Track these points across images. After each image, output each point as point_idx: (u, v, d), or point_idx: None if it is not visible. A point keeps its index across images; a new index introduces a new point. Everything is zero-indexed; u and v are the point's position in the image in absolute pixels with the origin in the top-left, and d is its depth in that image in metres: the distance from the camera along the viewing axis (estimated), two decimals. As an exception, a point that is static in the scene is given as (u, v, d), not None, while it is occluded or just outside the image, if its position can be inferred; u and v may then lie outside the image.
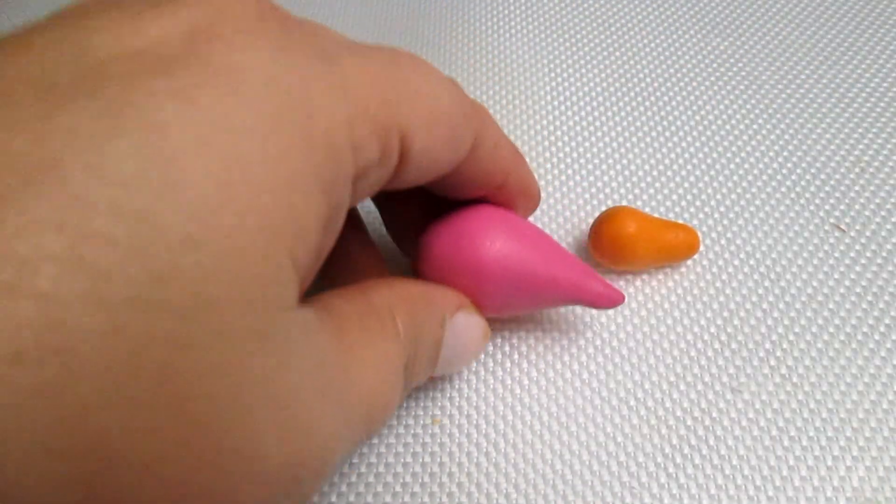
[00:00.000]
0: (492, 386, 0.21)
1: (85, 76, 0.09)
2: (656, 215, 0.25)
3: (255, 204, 0.10)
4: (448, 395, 0.21)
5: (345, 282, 0.18)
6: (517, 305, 0.19)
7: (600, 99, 0.30)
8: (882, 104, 0.28)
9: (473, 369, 0.21)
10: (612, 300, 0.19)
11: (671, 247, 0.22)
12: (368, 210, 0.24)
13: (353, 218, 0.20)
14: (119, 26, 0.10)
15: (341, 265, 0.19)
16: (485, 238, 0.18)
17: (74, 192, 0.08)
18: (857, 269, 0.23)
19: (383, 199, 0.21)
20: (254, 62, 0.10)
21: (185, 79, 0.09)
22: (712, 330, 0.22)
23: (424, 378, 0.17)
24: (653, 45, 0.33)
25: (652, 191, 0.26)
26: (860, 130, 0.27)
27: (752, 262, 0.23)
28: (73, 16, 0.10)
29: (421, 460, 0.20)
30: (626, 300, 0.22)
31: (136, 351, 0.08)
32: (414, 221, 0.20)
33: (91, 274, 0.08)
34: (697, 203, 0.26)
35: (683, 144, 0.28)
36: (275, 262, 0.10)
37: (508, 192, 0.18)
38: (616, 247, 0.22)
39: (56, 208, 0.08)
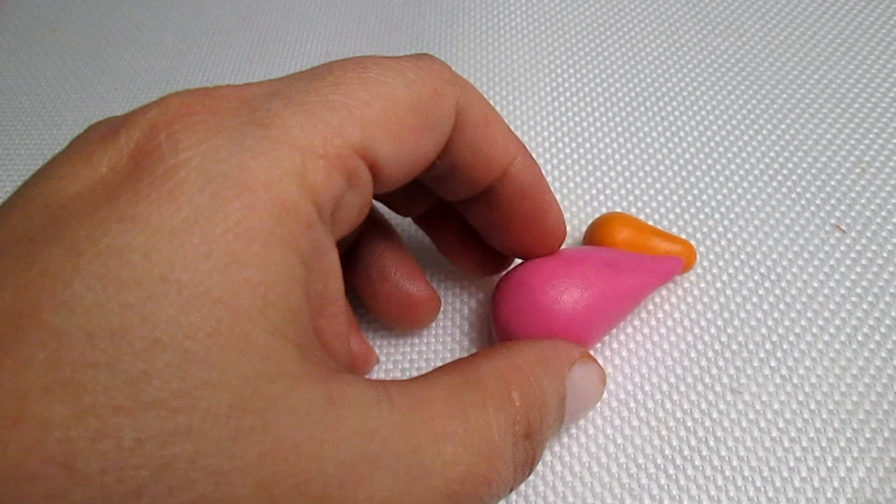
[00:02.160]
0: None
1: (53, 221, 0.11)
2: (656, 216, 0.25)
3: (207, 295, 0.10)
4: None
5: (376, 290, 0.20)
6: (610, 329, 0.20)
7: (600, 100, 0.30)
8: (882, 104, 0.28)
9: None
10: (679, 269, 0.22)
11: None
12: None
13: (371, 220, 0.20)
14: (76, 169, 0.11)
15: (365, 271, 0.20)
16: (556, 304, 0.18)
17: (52, 328, 0.09)
18: (858, 270, 0.23)
19: (423, 220, 0.22)
20: (186, 161, 0.11)
21: (129, 198, 0.11)
22: (712, 331, 0.22)
23: (553, 436, 0.17)
24: (652, 45, 0.33)
25: (652, 192, 0.26)
26: (861, 131, 0.27)
27: (752, 262, 0.23)
28: (46, 169, 0.12)
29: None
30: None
31: (127, 449, 0.09)
32: (457, 235, 0.21)
33: (77, 393, 0.09)
34: (698, 203, 0.25)
35: (684, 145, 0.28)
36: (244, 342, 0.11)
37: (516, 187, 0.17)
38: None
39: (41, 345, 0.09)
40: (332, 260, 0.13)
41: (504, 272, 0.21)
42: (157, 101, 0.12)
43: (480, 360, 0.15)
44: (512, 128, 0.29)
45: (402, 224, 0.26)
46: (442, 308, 0.23)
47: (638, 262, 0.20)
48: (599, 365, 0.18)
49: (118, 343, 0.10)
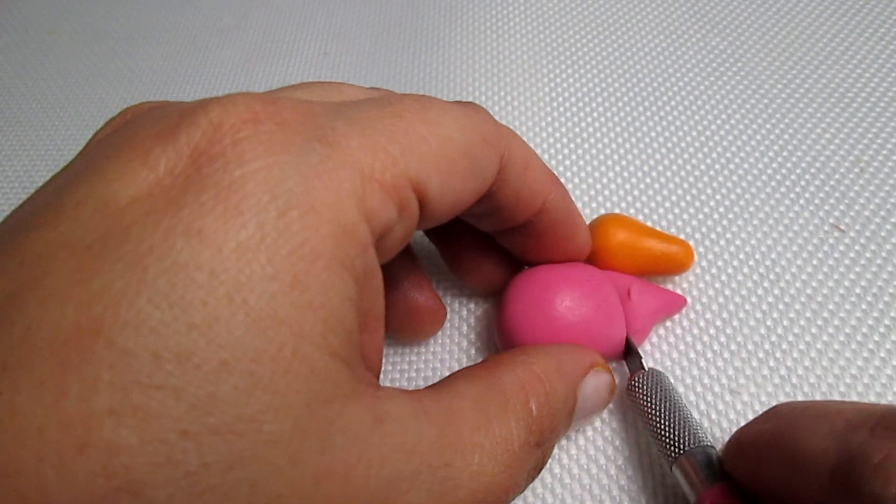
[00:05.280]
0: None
1: (110, 230, 0.10)
2: (655, 216, 0.25)
3: (273, 318, 0.10)
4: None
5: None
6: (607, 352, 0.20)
7: (598, 100, 0.30)
8: (882, 104, 0.28)
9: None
10: (681, 306, 0.22)
11: (660, 261, 0.22)
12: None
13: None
14: (132, 169, 0.11)
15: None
16: (559, 307, 0.19)
17: (118, 349, 0.09)
18: (857, 269, 0.23)
19: (435, 234, 0.22)
20: (253, 173, 0.11)
21: (193, 209, 0.10)
22: (711, 331, 0.22)
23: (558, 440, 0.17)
24: (650, 45, 0.33)
25: (651, 191, 0.26)
26: (860, 130, 0.27)
27: (751, 262, 0.23)
28: (93, 166, 0.11)
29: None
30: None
31: (193, 474, 0.09)
32: (468, 253, 0.21)
33: (143, 417, 0.09)
34: (697, 203, 0.25)
35: (682, 144, 0.28)
36: (307, 366, 0.11)
37: (550, 218, 0.18)
38: (602, 257, 0.21)
39: (107, 367, 0.09)
40: (380, 280, 0.13)
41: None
42: (218, 100, 0.12)
43: (502, 368, 0.16)
44: (510, 128, 0.29)
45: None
46: (447, 317, 0.23)
47: (652, 294, 0.21)
48: (611, 375, 0.18)
49: (185, 365, 0.09)
